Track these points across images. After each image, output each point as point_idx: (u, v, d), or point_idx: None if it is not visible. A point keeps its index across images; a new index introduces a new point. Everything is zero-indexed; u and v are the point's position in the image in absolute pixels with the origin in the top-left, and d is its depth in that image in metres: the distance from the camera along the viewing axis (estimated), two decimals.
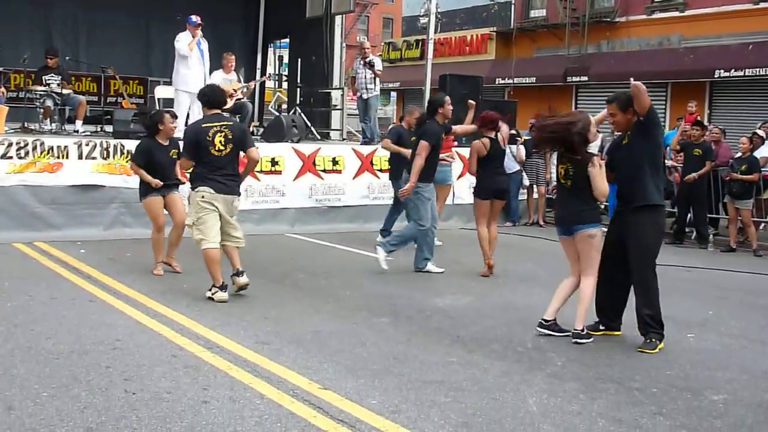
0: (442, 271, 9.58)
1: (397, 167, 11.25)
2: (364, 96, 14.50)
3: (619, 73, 23.87)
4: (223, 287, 7.67)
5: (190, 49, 12.41)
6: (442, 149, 11.19)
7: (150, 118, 9.14)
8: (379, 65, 14.55)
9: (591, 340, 6.62)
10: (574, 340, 6.58)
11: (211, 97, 7.92)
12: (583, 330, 6.61)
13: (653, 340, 6.51)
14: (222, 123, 7.75)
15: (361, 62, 14.40)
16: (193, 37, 12.47)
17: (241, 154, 7.96)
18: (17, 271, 8.62)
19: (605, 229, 6.87)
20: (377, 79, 14.50)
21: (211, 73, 13.35)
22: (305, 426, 4.61)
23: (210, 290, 7.70)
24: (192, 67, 12.50)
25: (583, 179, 6.62)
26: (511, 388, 5.39)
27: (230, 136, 7.69)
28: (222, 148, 7.64)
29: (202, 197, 7.65)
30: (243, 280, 7.85)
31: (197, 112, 12.80)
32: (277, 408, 4.84)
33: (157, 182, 8.71)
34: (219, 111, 7.92)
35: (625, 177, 6.68)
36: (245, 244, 8.11)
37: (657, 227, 6.79)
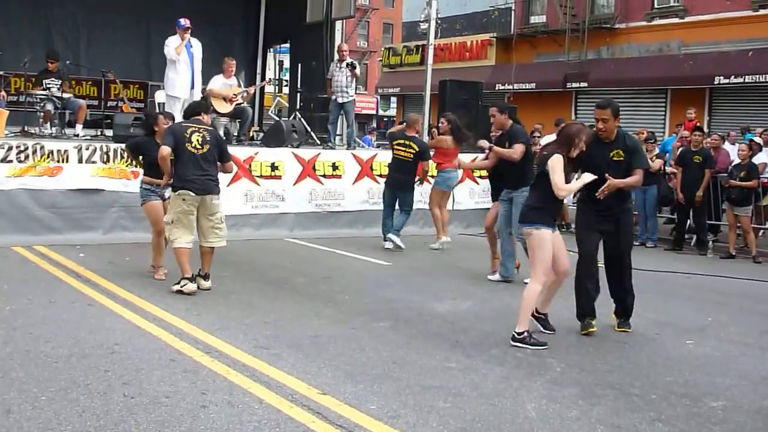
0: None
1: (411, 177, 11.61)
2: (340, 100, 14.14)
3: (619, 79, 23.99)
4: (192, 279, 8.04)
5: (178, 53, 12.40)
6: (451, 157, 11.37)
7: (146, 120, 9.51)
8: (358, 69, 14.35)
9: (538, 347, 6.57)
10: (512, 343, 6.62)
11: (186, 109, 8.73)
12: (522, 333, 6.61)
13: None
14: (200, 126, 8.26)
15: (339, 64, 14.13)
16: (182, 40, 12.46)
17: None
18: (16, 275, 8.61)
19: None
20: (355, 83, 14.34)
21: (211, 77, 13.37)
22: (304, 431, 4.60)
23: (179, 283, 8.00)
24: (180, 72, 12.50)
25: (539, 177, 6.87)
26: (510, 393, 5.39)
27: (207, 138, 8.17)
28: (199, 147, 8.08)
29: (183, 200, 8.04)
30: (207, 284, 8.25)
31: None
32: (276, 413, 4.83)
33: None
34: (198, 117, 8.42)
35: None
36: (243, 247, 8.16)
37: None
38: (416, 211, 12.39)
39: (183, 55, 12.48)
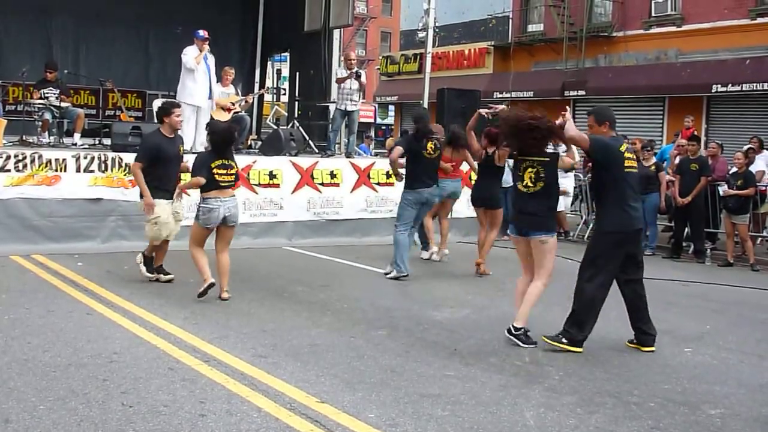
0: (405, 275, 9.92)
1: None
2: (349, 108, 14.02)
3: (616, 87, 24.02)
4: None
5: (197, 63, 12.48)
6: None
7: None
8: (364, 78, 14.32)
9: (529, 345, 6.82)
10: (506, 335, 6.95)
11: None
12: (520, 329, 6.88)
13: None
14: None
15: (346, 71, 14.02)
16: (200, 51, 12.54)
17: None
18: (15, 284, 8.61)
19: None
20: (361, 92, 14.30)
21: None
22: None
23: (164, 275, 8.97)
24: (198, 81, 12.57)
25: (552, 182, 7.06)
26: (508, 401, 5.39)
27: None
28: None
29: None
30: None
31: (202, 124, 12.88)
32: (275, 421, 4.83)
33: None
34: None
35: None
36: (241, 255, 8.24)
37: None
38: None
39: (201, 65, 12.58)
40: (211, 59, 12.83)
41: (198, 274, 8.17)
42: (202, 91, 12.58)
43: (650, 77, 23.03)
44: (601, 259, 6.81)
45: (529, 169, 6.99)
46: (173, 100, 9.65)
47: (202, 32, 12.60)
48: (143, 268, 9.03)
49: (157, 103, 15.08)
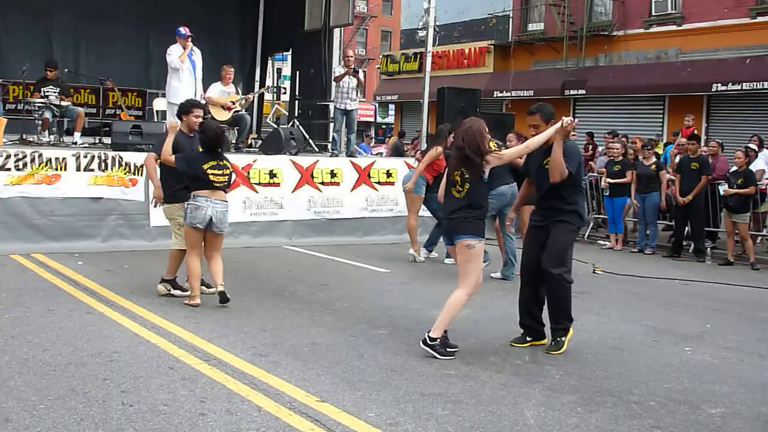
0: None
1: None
2: (348, 107, 14.02)
3: (616, 86, 24.02)
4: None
5: (182, 62, 12.45)
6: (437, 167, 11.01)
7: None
8: (361, 74, 14.32)
9: (446, 357, 6.34)
10: (421, 346, 6.39)
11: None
12: (435, 339, 6.36)
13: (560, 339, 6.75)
14: None
15: (344, 70, 13.98)
16: (184, 49, 12.50)
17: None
18: (15, 283, 8.61)
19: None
20: (359, 90, 14.27)
21: (209, 84, 13.39)
22: None
23: (179, 291, 8.28)
24: (183, 80, 12.54)
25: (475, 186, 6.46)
26: (509, 401, 5.39)
27: None
28: None
29: None
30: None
31: None
32: (275, 420, 4.83)
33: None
34: None
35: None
36: (241, 255, 8.14)
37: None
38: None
39: (186, 63, 12.53)
40: (198, 56, 12.76)
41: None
42: (187, 90, 12.50)
43: (650, 76, 23.03)
44: (571, 250, 6.84)
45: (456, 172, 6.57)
46: (196, 99, 9.42)
47: (183, 30, 12.52)
48: (175, 291, 8.34)
49: (157, 102, 15.14)
